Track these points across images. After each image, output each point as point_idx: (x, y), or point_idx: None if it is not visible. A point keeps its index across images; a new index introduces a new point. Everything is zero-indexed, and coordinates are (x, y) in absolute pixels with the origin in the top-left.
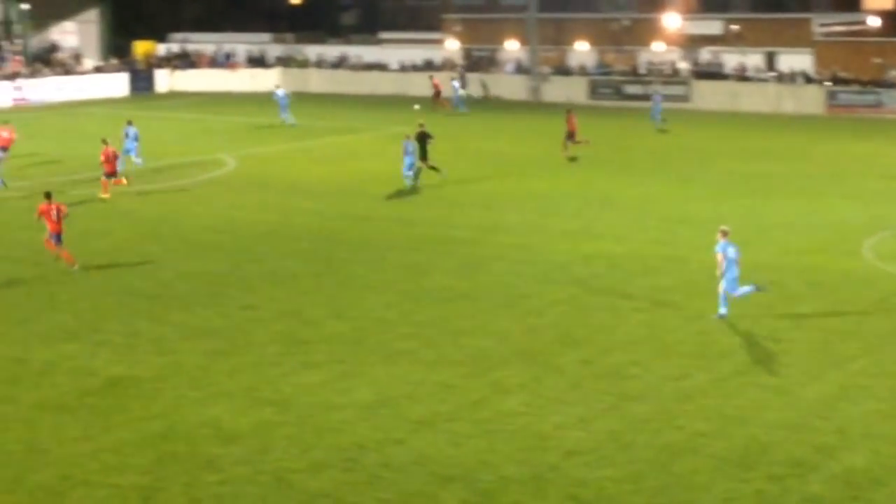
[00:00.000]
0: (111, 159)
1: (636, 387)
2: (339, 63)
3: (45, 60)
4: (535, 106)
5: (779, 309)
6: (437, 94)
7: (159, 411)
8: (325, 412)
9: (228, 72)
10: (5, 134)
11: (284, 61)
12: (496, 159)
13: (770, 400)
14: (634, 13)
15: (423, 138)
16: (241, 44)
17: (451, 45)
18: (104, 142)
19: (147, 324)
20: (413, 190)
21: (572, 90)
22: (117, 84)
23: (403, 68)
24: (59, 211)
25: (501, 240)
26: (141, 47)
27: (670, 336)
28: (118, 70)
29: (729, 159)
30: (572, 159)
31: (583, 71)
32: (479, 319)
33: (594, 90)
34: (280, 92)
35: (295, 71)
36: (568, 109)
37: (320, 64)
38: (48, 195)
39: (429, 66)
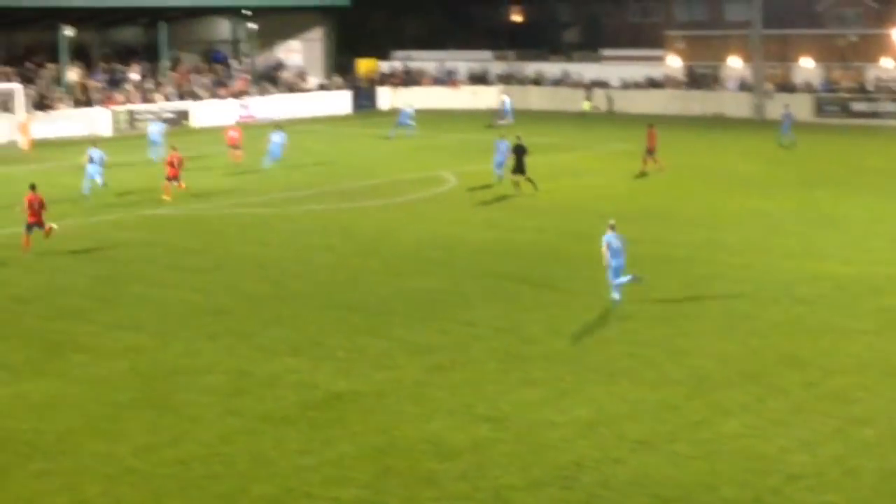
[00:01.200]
0: (176, 165)
1: (862, 410)
2: (560, 80)
3: (271, 78)
4: (758, 123)
5: None
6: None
7: (379, 426)
8: (543, 430)
9: (450, 89)
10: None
11: (505, 78)
12: (718, 177)
13: None
14: (861, 29)
15: (519, 151)
16: (462, 61)
17: (673, 62)
18: (173, 148)
19: (368, 339)
20: (530, 193)
21: (797, 107)
22: (340, 102)
23: (625, 85)
24: (40, 203)
25: (722, 259)
26: (364, 65)
27: None
28: (341, 88)
29: None
30: (642, 174)
31: (808, 88)
32: (700, 339)
33: (819, 107)
34: (409, 110)
35: (515, 88)
36: (650, 125)
37: (540, 81)
38: (33, 187)
39: (650, 83)
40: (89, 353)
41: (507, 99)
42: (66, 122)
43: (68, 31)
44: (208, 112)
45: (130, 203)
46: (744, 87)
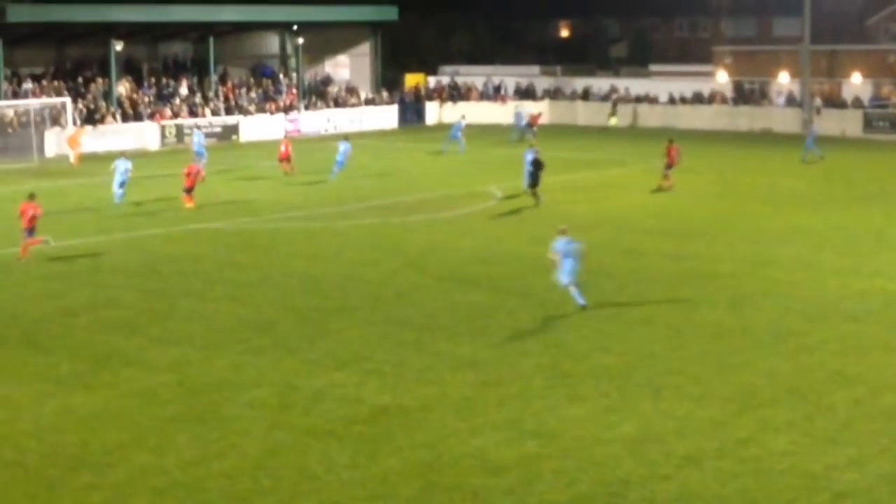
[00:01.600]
0: (192, 175)
1: None
2: (608, 96)
3: (319, 93)
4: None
5: None
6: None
7: (425, 441)
8: (590, 446)
9: (497, 104)
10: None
11: (552, 93)
12: (765, 193)
13: None
14: None
15: (536, 165)
16: (509, 76)
17: (721, 78)
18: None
19: (414, 354)
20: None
21: (846, 123)
22: (388, 116)
23: (672, 101)
24: (35, 212)
25: (770, 275)
26: (412, 80)
27: None
28: (389, 102)
29: None
30: (658, 189)
31: (857, 104)
32: (748, 356)
33: (869, 123)
34: (461, 123)
35: (562, 103)
36: (670, 140)
37: (588, 96)
38: (31, 196)
39: (698, 98)
40: (137, 366)
41: (522, 112)
42: (115, 136)
43: (118, 46)
44: (256, 127)
45: (177, 217)
46: (792, 102)
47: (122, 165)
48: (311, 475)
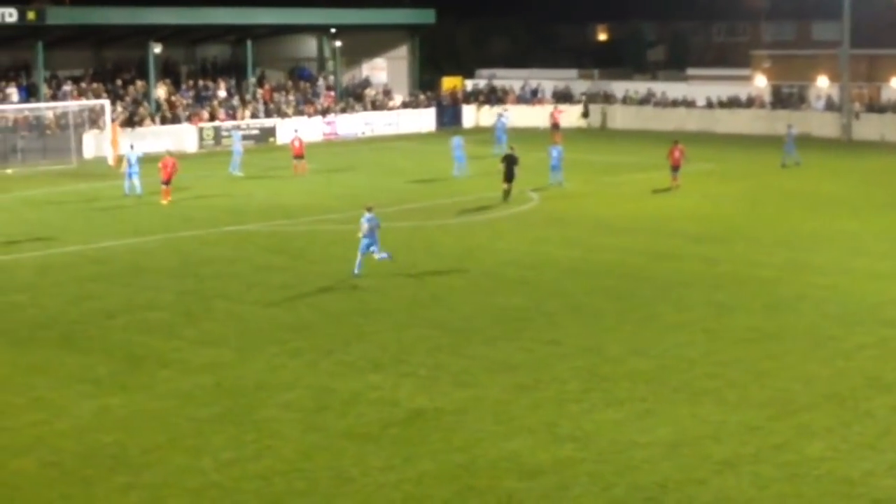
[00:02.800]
0: (169, 168)
1: None
2: (645, 99)
3: (357, 96)
4: (845, 144)
5: None
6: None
7: (461, 444)
8: (625, 450)
9: (535, 107)
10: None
11: (590, 97)
12: (803, 198)
13: None
14: None
15: (511, 161)
16: (547, 80)
17: (760, 82)
18: (168, 152)
19: (450, 357)
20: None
21: (886, 127)
22: (424, 119)
23: (710, 105)
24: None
25: (807, 279)
26: (449, 83)
27: None
28: (426, 105)
29: None
30: (666, 190)
31: None
32: (785, 361)
33: None
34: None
35: (599, 107)
36: (675, 141)
37: (625, 100)
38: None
39: (735, 102)
40: (174, 367)
41: (503, 118)
42: (154, 138)
43: (156, 49)
44: (293, 128)
45: (214, 219)
46: (831, 106)
47: (133, 157)
48: (347, 478)
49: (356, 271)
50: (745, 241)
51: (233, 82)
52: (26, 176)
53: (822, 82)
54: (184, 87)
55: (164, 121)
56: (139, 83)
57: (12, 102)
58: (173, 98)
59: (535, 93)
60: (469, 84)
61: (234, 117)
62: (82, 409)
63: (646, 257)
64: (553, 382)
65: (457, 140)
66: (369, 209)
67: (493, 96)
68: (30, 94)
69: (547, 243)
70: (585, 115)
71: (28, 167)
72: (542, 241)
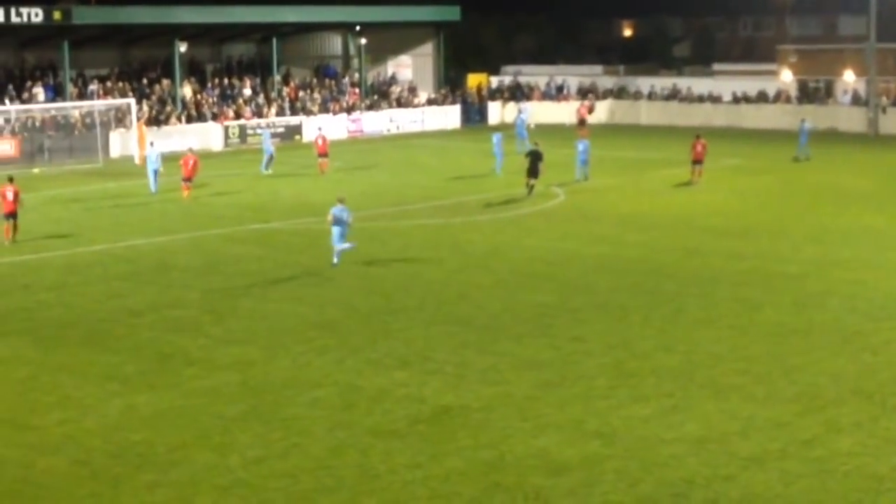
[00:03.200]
0: (190, 166)
1: None
2: (671, 95)
3: (382, 93)
4: (872, 139)
5: None
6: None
7: (488, 441)
8: (653, 446)
9: (560, 104)
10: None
11: (615, 93)
12: (830, 193)
13: None
14: None
15: (535, 156)
16: (572, 76)
17: (786, 77)
18: (190, 150)
19: (476, 354)
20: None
21: None
22: (450, 116)
23: (736, 100)
24: (15, 194)
25: (835, 275)
26: (474, 80)
27: None
28: (451, 102)
29: None
30: (687, 183)
31: None
32: (812, 356)
33: None
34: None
35: (625, 103)
36: (697, 136)
37: (651, 96)
38: (10, 179)
39: (762, 97)
40: (200, 365)
41: (524, 110)
42: (179, 136)
43: (182, 47)
44: (318, 126)
45: (240, 217)
46: (857, 101)
47: (153, 153)
48: (374, 475)
49: (335, 262)
50: (771, 236)
51: (258, 80)
52: (53, 175)
53: (849, 77)
54: (209, 85)
55: (189, 119)
56: (165, 82)
57: (39, 102)
58: (199, 97)
59: (560, 89)
60: (494, 81)
61: (259, 115)
62: (110, 408)
63: (672, 253)
64: (580, 379)
65: (496, 137)
66: (341, 200)
67: (519, 93)
68: (56, 93)
69: (573, 239)
70: (590, 111)
71: (55, 166)
72: (568, 238)
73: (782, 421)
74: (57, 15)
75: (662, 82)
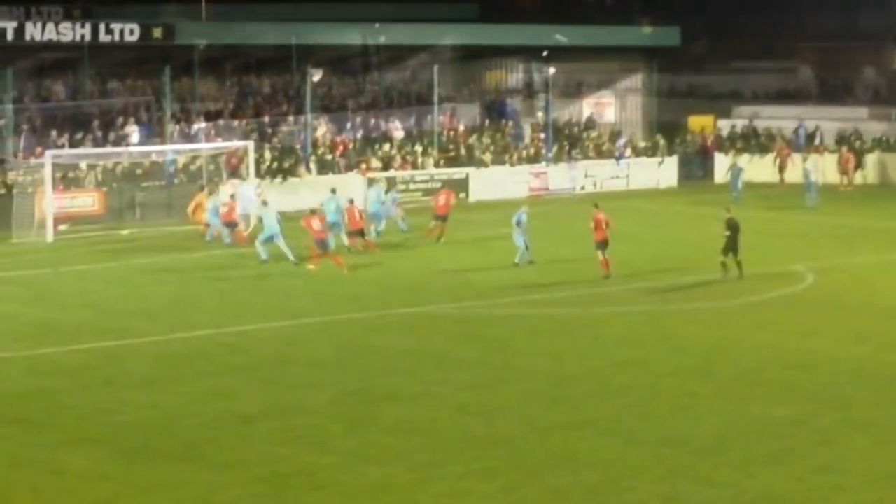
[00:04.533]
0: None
1: None
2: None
3: (573, 139)
4: None
5: None
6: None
7: None
8: None
9: (811, 156)
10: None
11: (885, 144)
12: None
13: None
14: None
15: (733, 227)
16: (828, 120)
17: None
18: (313, 211)
19: (692, 485)
20: None
21: None
22: (664, 171)
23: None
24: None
25: None
26: (696, 123)
27: None
28: (666, 153)
29: None
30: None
31: None
32: None
33: None
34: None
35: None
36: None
37: None
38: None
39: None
40: (328, 489)
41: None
42: (308, 190)
43: (315, 76)
44: (491, 182)
45: (384, 297)
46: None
47: (268, 217)
48: None
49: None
50: None
51: (412, 121)
52: (146, 237)
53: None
54: (348, 125)
55: (322, 169)
56: (290, 119)
57: (131, 144)
58: (336, 139)
59: (812, 137)
60: (723, 125)
61: (413, 165)
62: None
63: None
64: None
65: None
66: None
67: (756, 141)
68: (153, 133)
69: (822, 337)
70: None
71: (149, 226)
72: (815, 334)
73: None
74: (157, 33)
75: None
